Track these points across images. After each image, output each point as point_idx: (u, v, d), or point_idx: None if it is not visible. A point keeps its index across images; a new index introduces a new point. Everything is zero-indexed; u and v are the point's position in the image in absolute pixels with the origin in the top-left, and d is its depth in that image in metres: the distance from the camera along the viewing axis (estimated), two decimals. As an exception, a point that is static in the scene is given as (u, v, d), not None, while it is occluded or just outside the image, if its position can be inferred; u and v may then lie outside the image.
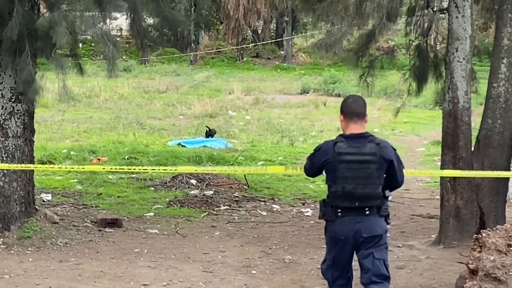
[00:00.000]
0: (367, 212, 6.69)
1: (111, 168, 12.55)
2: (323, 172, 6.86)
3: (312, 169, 6.95)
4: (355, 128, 6.69)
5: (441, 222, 11.56)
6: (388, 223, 6.91)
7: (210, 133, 22.29)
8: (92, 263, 10.33)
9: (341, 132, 6.93)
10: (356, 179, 6.63)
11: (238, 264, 10.57)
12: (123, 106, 29.24)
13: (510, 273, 7.24)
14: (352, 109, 6.73)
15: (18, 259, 10.38)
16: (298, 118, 27.75)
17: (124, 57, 43.83)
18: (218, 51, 50.86)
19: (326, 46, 13.23)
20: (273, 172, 16.32)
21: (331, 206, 6.78)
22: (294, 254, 11.12)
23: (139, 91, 33.53)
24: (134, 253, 10.97)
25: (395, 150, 6.91)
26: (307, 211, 14.00)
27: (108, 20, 11.95)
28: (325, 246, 7.39)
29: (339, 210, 6.71)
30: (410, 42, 12.86)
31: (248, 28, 50.24)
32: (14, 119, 11.15)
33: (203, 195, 14.76)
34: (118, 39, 31.10)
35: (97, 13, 11.28)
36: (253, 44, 51.78)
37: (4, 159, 11.11)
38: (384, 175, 6.81)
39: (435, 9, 12.13)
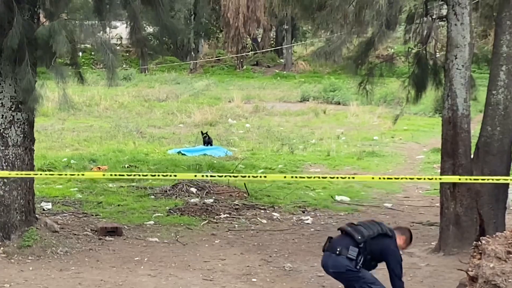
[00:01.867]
0: None
1: (111, 175, 12.52)
2: None
3: None
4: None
5: (441, 229, 11.57)
6: None
7: (208, 140, 22.28)
8: (93, 272, 10.34)
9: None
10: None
11: (239, 272, 10.57)
12: (123, 115, 29.27)
13: (510, 280, 7.24)
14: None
15: (18, 268, 10.39)
16: (298, 126, 27.77)
17: (124, 66, 43.91)
18: (218, 60, 50.91)
19: (325, 54, 13.25)
20: (273, 179, 16.32)
21: None
22: (294, 262, 11.12)
23: (139, 100, 33.56)
24: (134, 261, 10.98)
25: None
26: (307, 219, 13.99)
27: (107, 29, 11.98)
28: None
29: None
30: (409, 49, 12.89)
31: (247, 36, 50.31)
32: (14, 128, 11.17)
33: (203, 203, 14.77)
34: (118, 47, 31.23)
35: (96, 22, 11.32)
36: (252, 52, 51.85)
37: (4, 168, 11.13)
38: None
39: (434, 16, 12.16)
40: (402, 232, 8.65)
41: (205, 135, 22.53)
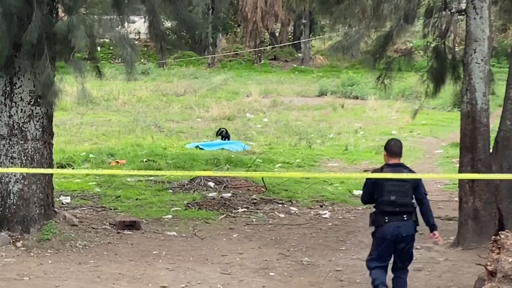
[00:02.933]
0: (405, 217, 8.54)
1: (130, 171, 12.52)
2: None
3: (366, 194, 8.78)
4: (395, 161, 8.72)
5: (460, 224, 11.54)
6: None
7: (225, 135, 22.31)
8: (111, 265, 10.38)
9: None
10: (397, 192, 8.54)
11: (256, 266, 10.58)
12: (141, 109, 29.32)
13: (529, 275, 7.22)
14: (394, 149, 8.78)
15: (37, 261, 10.44)
16: (316, 121, 27.73)
17: (142, 60, 43.96)
18: (236, 54, 50.92)
19: (343, 48, 13.24)
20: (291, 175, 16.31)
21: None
22: (312, 256, 11.12)
23: (157, 94, 33.61)
24: (152, 255, 11.01)
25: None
26: (325, 213, 13.99)
27: (126, 24, 11.99)
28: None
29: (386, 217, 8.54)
30: (428, 43, 12.84)
31: (265, 31, 50.28)
32: (33, 122, 11.22)
33: (221, 197, 14.78)
34: (136, 42, 31.30)
35: (115, 16, 11.34)
36: (270, 46, 51.80)
37: (24, 161, 11.18)
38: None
39: (453, 10, 12.12)
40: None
41: (222, 130, 22.55)
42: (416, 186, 8.62)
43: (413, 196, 8.60)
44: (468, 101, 11.28)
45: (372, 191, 8.66)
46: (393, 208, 8.48)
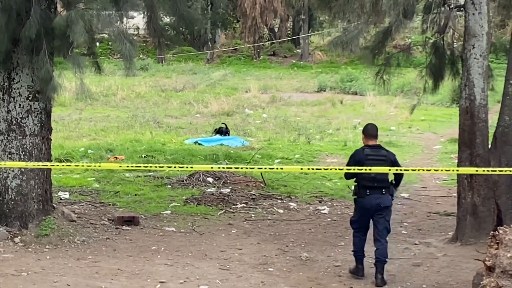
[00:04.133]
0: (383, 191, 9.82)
1: (128, 166, 12.53)
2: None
3: (350, 171, 9.87)
4: (372, 142, 10.01)
5: (458, 219, 11.54)
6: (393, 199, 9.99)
7: (225, 130, 22.32)
8: (109, 261, 10.38)
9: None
10: None
11: (255, 261, 10.59)
12: (140, 105, 29.32)
13: (527, 270, 7.21)
14: (370, 132, 10.08)
15: (35, 256, 10.45)
16: (315, 116, 27.72)
17: (141, 56, 43.96)
18: (235, 50, 50.90)
19: (342, 43, 13.22)
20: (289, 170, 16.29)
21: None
22: (311, 251, 11.13)
23: (156, 90, 33.60)
24: (151, 250, 11.02)
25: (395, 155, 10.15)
26: (324, 209, 14.00)
27: (125, 19, 11.98)
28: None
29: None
30: (427, 39, 12.83)
31: (264, 27, 50.23)
32: (31, 117, 11.22)
33: (220, 193, 14.79)
34: (135, 37, 31.27)
35: (113, 12, 11.33)
36: (269, 42, 51.76)
37: (22, 157, 11.18)
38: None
39: (451, 6, 12.10)
40: None
41: (222, 125, 22.57)
42: (393, 163, 9.84)
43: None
44: (467, 97, 11.28)
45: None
46: (373, 183, 9.75)
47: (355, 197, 10.06)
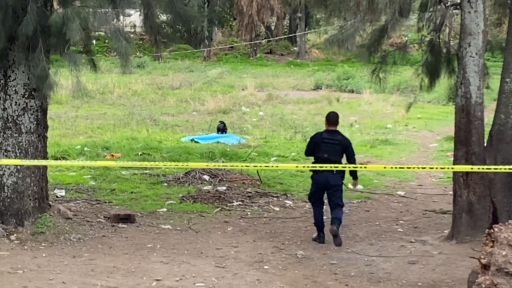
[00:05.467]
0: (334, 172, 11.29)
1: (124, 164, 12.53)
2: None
3: (309, 149, 11.83)
4: (332, 128, 11.74)
5: (454, 217, 11.55)
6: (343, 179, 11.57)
7: (223, 128, 22.35)
8: (105, 259, 10.38)
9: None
10: (330, 152, 11.49)
11: (251, 259, 10.59)
12: (136, 103, 29.30)
13: (522, 268, 7.22)
14: (331, 119, 11.81)
15: (31, 254, 10.44)
16: (311, 114, 27.73)
17: (137, 54, 43.95)
18: (232, 48, 50.88)
19: (338, 41, 13.23)
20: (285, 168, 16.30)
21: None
22: (306, 249, 11.14)
23: (152, 88, 33.59)
24: (147, 248, 11.02)
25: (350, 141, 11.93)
26: (320, 207, 13.99)
27: (121, 17, 11.96)
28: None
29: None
30: (423, 37, 12.83)
31: (261, 24, 50.22)
32: (28, 115, 11.21)
33: (216, 190, 14.79)
34: (131, 35, 31.23)
35: (110, 9, 11.32)
36: (266, 40, 51.79)
37: (18, 154, 11.18)
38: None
39: (447, 4, 12.10)
40: None
41: (220, 123, 22.61)
42: (346, 148, 11.58)
43: (343, 155, 11.59)
44: (463, 95, 11.29)
45: (313, 148, 11.70)
46: (326, 163, 11.00)
47: (312, 174, 11.64)
